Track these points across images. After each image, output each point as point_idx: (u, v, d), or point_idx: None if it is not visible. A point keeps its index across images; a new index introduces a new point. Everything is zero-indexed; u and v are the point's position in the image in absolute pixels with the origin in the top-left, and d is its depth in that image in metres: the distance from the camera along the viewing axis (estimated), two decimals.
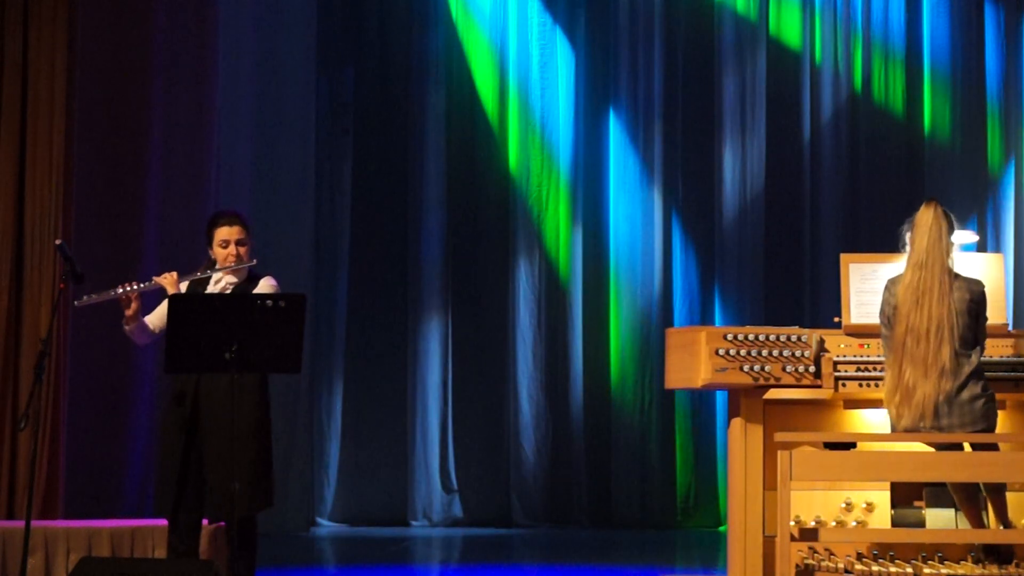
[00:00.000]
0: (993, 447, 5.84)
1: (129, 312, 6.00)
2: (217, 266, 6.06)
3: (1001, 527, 5.94)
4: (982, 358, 5.88)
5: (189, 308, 5.58)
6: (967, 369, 5.76)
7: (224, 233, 6.06)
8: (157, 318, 6.13)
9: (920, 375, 5.74)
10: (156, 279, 6.01)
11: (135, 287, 5.97)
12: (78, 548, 6.96)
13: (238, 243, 6.05)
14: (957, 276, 5.89)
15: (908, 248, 5.96)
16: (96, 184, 8.98)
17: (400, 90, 10.97)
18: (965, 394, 5.75)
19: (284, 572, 8.02)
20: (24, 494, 8.08)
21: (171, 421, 5.93)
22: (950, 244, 5.91)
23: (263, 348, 5.51)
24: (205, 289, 6.07)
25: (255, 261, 6.12)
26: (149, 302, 6.20)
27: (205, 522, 6.09)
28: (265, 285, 6.06)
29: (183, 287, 6.02)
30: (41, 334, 7.98)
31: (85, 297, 6.01)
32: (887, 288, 5.96)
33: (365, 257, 10.88)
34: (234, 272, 6.05)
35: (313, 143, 10.48)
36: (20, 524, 6.47)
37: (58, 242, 6.35)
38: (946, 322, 5.76)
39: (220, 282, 6.06)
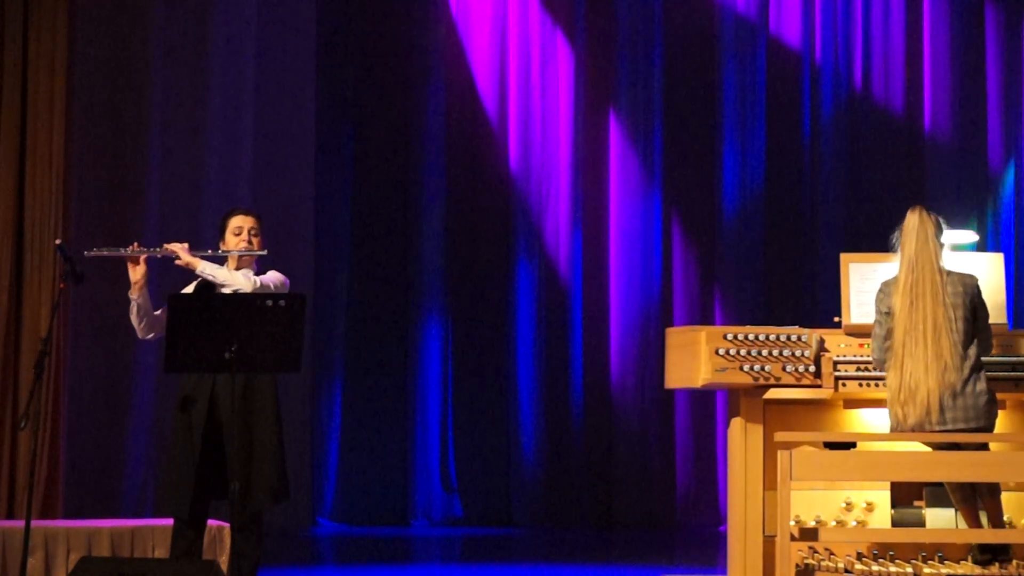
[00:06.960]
0: (986, 447, 5.85)
1: (136, 276, 5.95)
2: (231, 250, 6.06)
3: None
4: (985, 357, 5.90)
5: (189, 308, 5.58)
6: (967, 364, 5.78)
7: (239, 220, 6.11)
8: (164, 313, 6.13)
9: (922, 372, 5.75)
10: (167, 245, 6.01)
11: (143, 249, 5.96)
12: (78, 548, 6.95)
13: (251, 232, 6.08)
14: (950, 273, 5.91)
15: (899, 255, 5.98)
16: (96, 184, 8.99)
17: (400, 90, 10.96)
18: (968, 389, 5.75)
19: (284, 572, 8.01)
20: (24, 494, 8.08)
21: (184, 423, 5.92)
22: (939, 245, 5.94)
23: (263, 348, 5.52)
24: (222, 265, 6.05)
25: (266, 251, 6.14)
26: (160, 295, 6.15)
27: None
28: (272, 276, 6.08)
29: (196, 261, 5.96)
30: (41, 334, 7.98)
31: (95, 249, 5.99)
32: (881, 291, 5.98)
33: (365, 256, 10.87)
34: (245, 258, 6.05)
35: (313, 142, 10.47)
36: (20, 524, 6.46)
37: (58, 242, 6.36)
38: (943, 318, 5.78)
39: (236, 263, 6.05)
